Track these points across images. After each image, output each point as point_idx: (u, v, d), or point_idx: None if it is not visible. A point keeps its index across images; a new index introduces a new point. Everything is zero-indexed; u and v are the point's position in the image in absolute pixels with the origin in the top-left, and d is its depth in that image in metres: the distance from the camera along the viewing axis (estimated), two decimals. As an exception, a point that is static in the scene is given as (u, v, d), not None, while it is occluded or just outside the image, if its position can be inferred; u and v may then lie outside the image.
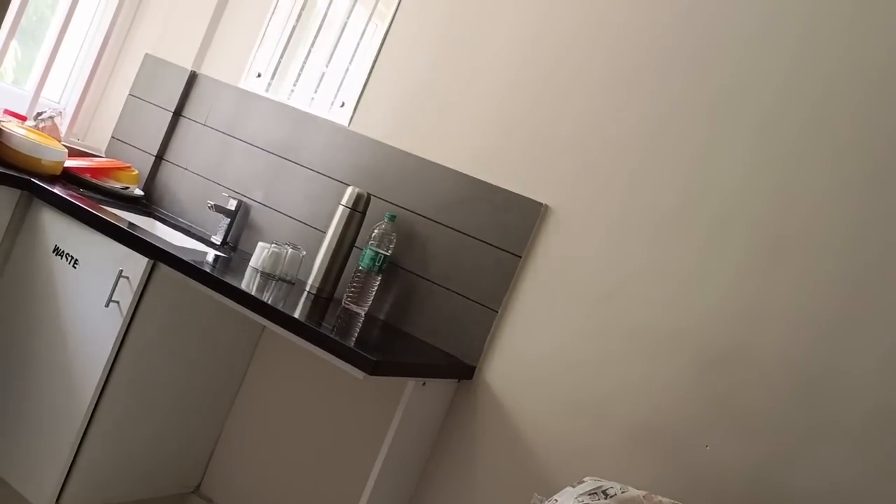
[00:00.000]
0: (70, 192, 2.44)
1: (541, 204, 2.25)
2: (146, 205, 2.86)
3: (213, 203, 2.65)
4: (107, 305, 2.16)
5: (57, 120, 2.76)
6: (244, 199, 2.71)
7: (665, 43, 2.19)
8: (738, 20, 2.11)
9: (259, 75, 2.84)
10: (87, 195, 2.53)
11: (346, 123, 2.62)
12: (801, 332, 1.92)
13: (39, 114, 2.74)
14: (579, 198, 2.22)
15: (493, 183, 2.32)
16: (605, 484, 1.75)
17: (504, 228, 2.28)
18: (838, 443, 1.85)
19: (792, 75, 2.03)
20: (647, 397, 2.05)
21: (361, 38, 2.69)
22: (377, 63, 2.62)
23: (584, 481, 1.78)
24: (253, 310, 2.00)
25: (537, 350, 2.20)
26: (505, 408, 2.22)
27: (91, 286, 2.21)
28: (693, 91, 2.14)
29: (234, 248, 2.69)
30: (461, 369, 2.25)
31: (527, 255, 2.25)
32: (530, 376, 2.20)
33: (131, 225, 2.35)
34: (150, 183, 2.91)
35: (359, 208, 2.38)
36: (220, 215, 2.68)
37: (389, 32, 2.61)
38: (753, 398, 1.94)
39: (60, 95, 3.02)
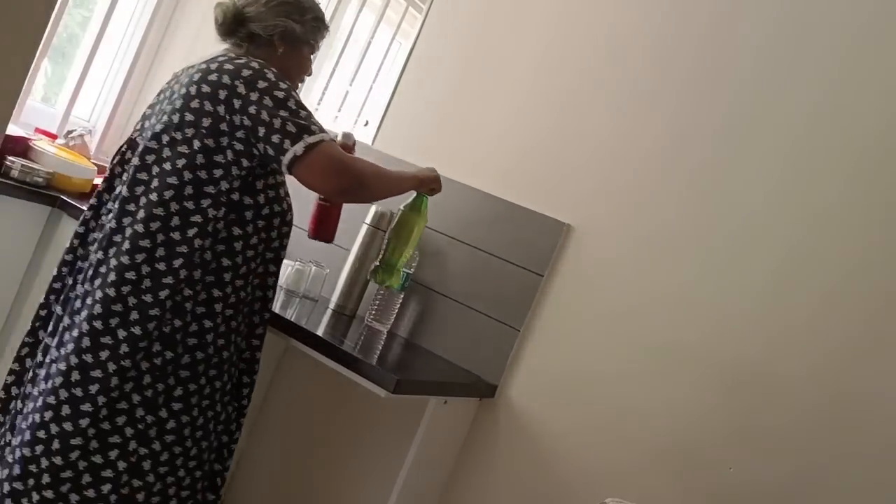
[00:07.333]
0: (99, 209, 2.47)
1: (563, 223, 2.25)
2: (172, 221, 2.89)
3: (238, 220, 2.67)
4: (133, 321, 2.18)
5: (87, 138, 2.81)
6: (269, 217, 2.73)
7: (687, 63, 2.19)
8: (761, 41, 2.11)
9: (284, 94, 2.86)
10: (115, 212, 2.56)
11: (369, 142, 2.64)
12: (826, 353, 1.90)
13: (70, 132, 2.79)
14: (602, 217, 2.22)
15: (516, 202, 2.33)
16: (628, 506, 1.73)
17: (526, 247, 2.28)
18: (864, 465, 1.83)
19: (816, 95, 2.02)
20: (670, 418, 2.04)
21: (385, 56, 2.72)
22: (401, 82, 2.64)
23: (605, 503, 1.77)
24: (276, 327, 2.02)
25: (559, 369, 2.19)
26: (527, 427, 2.21)
27: (118, 302, 2.24)
28: (715, 111, 2.13)
29: (259, 265, 2.71)
30: (483, 388, 2.25)
31: (549, 274, 2.25)
32: (552, 395, 2.19)
33: (158, 242, 2.37)
34: (176, 200, 2.94)
35: (382, 226, 2.39)
36: (245, 232, 2.70)
37: (413, 52, 2.64)
38: (778, 419, 1.92)
39: (90, 114, 3.07)
